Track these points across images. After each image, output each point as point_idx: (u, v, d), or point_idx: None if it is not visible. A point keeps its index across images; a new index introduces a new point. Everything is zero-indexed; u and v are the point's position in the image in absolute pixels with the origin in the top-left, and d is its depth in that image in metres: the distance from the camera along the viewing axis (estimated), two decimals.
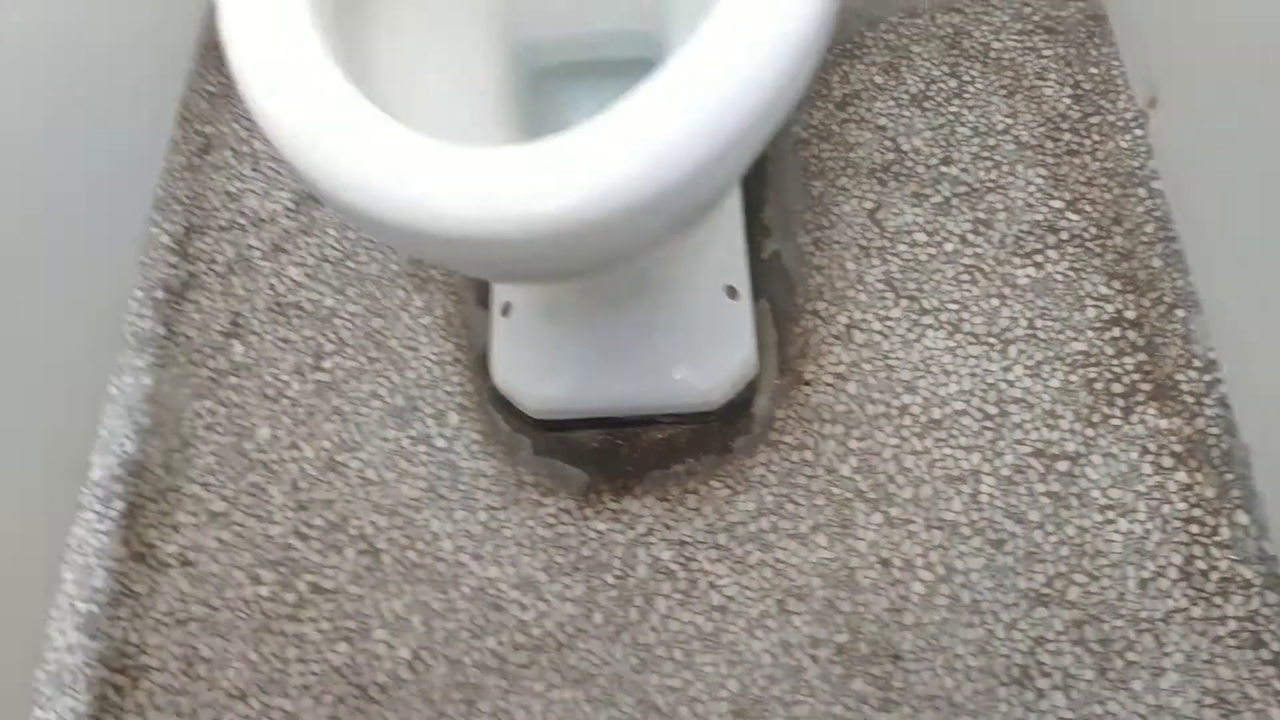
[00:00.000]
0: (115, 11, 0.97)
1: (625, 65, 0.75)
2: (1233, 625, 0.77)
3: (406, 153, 0.50)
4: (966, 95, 1.01)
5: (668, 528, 0.85)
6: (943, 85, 1.02)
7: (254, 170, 1.06)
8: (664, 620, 0.82)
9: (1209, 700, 0.75)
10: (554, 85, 0.83)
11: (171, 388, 0.95)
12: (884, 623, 0.80)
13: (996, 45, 1.04)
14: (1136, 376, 0.87)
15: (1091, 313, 0.90)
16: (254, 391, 0.94)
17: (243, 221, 1.03)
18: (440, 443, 0.90)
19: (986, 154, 0.98)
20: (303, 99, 0.51)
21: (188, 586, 0.87)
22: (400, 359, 0.94)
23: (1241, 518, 0.81)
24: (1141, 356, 0.87)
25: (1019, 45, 1.03)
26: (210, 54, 1.13)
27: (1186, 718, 0.75)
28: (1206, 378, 0.86)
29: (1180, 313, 0.89)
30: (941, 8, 1.07)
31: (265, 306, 0.98)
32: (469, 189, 0.47)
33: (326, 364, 0.95)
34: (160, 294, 1.00)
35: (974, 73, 1.02)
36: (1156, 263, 0.91)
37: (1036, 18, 1.05)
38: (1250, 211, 0.79)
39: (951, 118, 1.00)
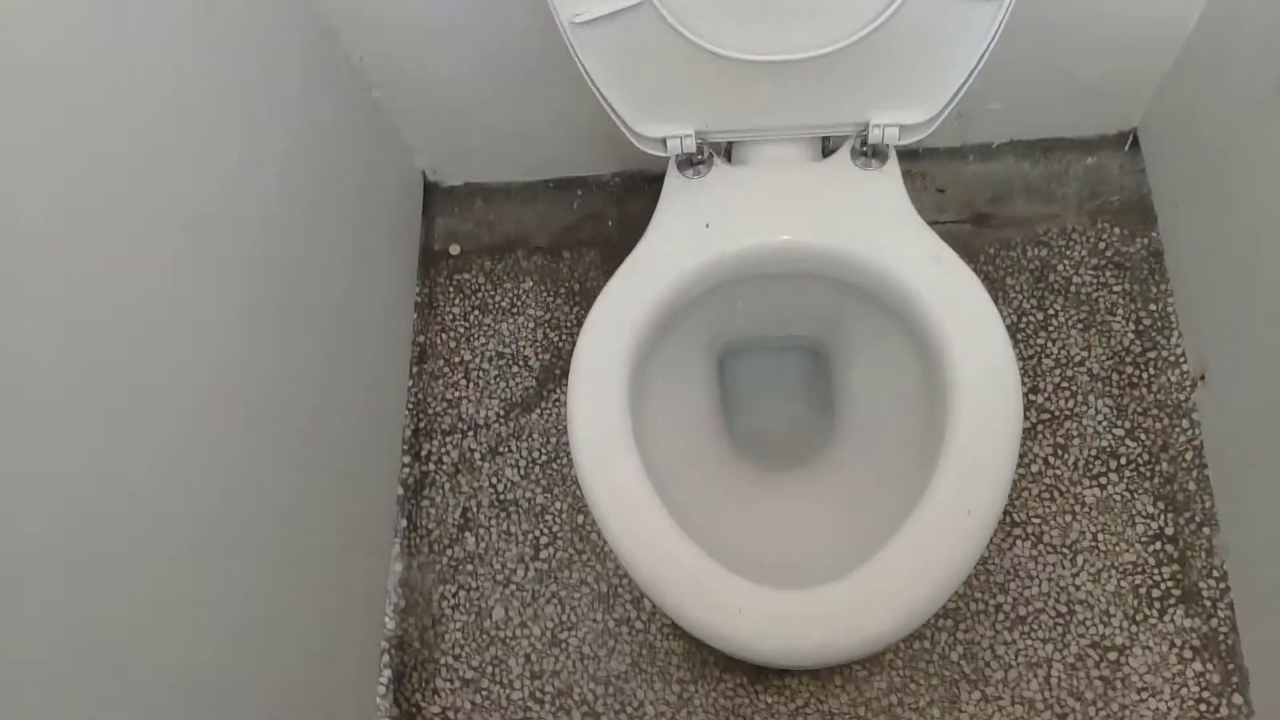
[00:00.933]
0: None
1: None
2: None
3: (735, 596, 0.77)
4: (1051, 328, 1.27)
5: (820, 701, 1.16)
6: (1032, 318, 1.28)
7: (465, 378, 1.31)
8: None
9: None
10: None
11: (420, 574, 1.23)
12: None
13: (1076, 280, 1.29)
14: (1170, 584, 1.17)
15: (1140, 528, 1.19)
16: (487, 577, 1.22)
17: (462, 426, 1.29)
18: (639, 625, 1.20)
19: (1066, 384, 1.25)
20: (651, 551, 0.78)
21: None
22: (605, 551, 1.22)
23: (1237, 699, 1.13)
24: (1175, 567, 1.18)
25: (1094, 280, 1.29)
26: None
27: None
28: (1221, 585, 1.16)
29: (1206, 530, 1.18)
30: (1031, 241, 1.31)
31: (489, 503, 1.25)
32: (791, 627, 0.75)
33: (543, 554, 1.23)
34: (399, 491, 1.26)
35: (1057, 306, 1.28)
36: (1192, 486, 1.20)
37: (1109, 253, 1.30)
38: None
39: (1038, 349, 1.26)
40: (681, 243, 0.92)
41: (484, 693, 1.21)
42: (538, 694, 1.20)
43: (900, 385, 0.95)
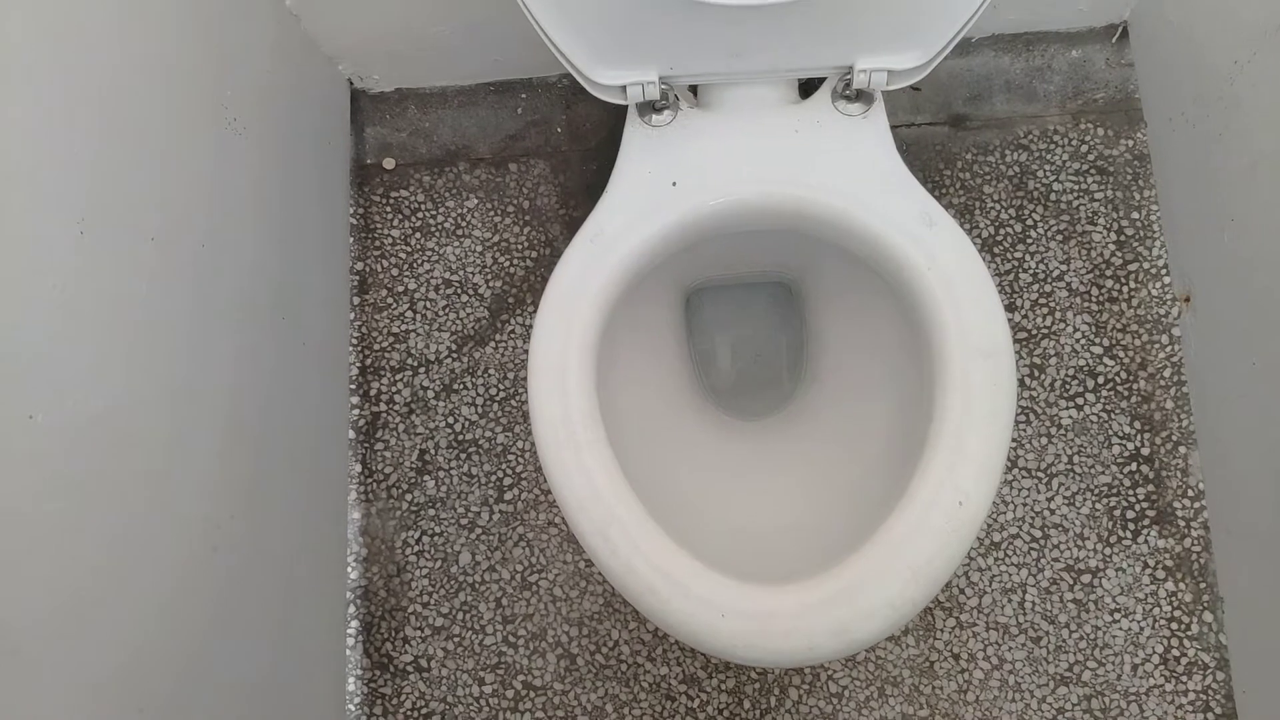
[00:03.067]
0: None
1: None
2: (1192, 696, 1.14)
3: (722, 597, 0.75)
4: (1029, 240, 1.22)
5: None
6: (1010, 230, 1.23)
7: (411, 310, 1.24)
8: (795, 705, 1.16)
9: None
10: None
11: (380, 520, 1.20)
12: (954, 700, 1.15)
13: (1057, 187, 1.23)
14: (1145, 505, 1.18)
15: (1116, 449, 1.19)
16: (451, 521, 1.19)
17: (412, 363, 1.22)
18: None
19: (1043, 300, 1.21)
20: (632, 557, 0.76)
21: (425, 688, 1.17)
22: None
23: (1208, 617, 1.15)
24: (1150, 488, 1.18)
25: (1075, 187, 1.24)
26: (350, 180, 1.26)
27: None
28: (1196, 504, 1.17)
29: (1183, 449, 1.18)
30: (1010, 145, 1.24)
31: (447, 444, 1.21)
32: (774, 630, 0.73)
33: (508, 496, 1.20)
34: (351, 434, 1.21)
35: (1036, 216, 1.23)
36: (1170, 404, 1.19)
37: (1091, 156, 1.25)
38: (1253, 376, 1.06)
39: (1016, 263, 1.22)
40: (646, 204, 0.84)
41: (456, 639, 1.20)
42: (511, 638, 1.19)
43: (887, 351, 0.90)
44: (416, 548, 1.22)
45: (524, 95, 1.32)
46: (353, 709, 1.19)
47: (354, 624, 1.21)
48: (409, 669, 1.19)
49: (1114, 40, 1.27)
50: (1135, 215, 1.25)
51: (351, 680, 1.19)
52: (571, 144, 1.31)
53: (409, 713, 1.19)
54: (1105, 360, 1.22)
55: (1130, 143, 1.26)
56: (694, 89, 0.91)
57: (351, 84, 1.30)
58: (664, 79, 0.84)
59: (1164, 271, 1.23)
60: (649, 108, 0.87)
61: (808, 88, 0.90)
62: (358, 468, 1.24)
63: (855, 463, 0.90)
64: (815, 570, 0.78)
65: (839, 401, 0.98)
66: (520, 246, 1.29)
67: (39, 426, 0.63)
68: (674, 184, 0.84)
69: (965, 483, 0.77)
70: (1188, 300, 1.17)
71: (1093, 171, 1.26)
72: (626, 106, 0.89)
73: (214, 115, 0.92)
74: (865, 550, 0.77)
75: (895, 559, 0.76)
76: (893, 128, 0.89)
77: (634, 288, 0.85)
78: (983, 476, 0.77)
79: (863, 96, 0.85)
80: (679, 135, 0.86)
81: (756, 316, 1.10)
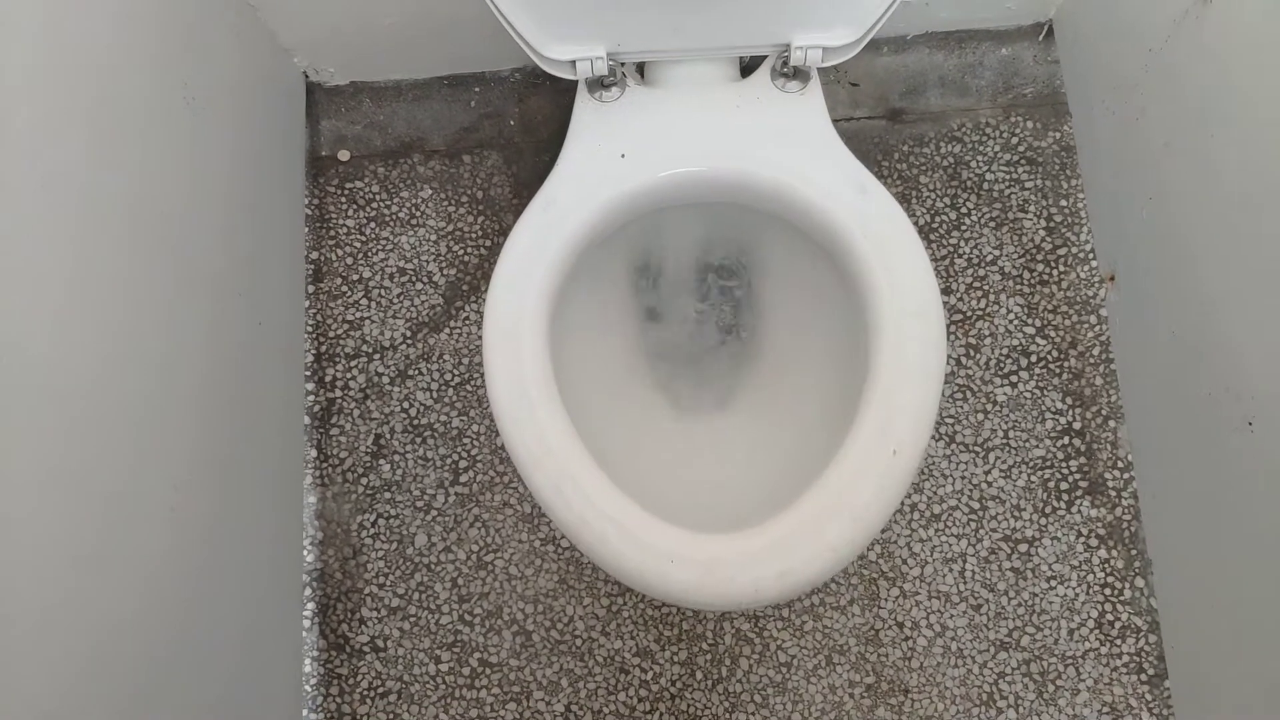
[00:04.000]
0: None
1: None
2: (1126, 658, 1.20)
3: (670, 544, 0.78)
4: (964, 227, 1.28)
5: None
6: (945, 218, 1.28)
7: (366, 297, 1.27)
8: (746, 674, 1.19)
9: (1105, 711, 1.18)
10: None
11: (335, 504, 1.22)
12: (898, 667, 1.19)
13: (989, 177, 1.30)
14: (1078, 476, 1.23)
15: (1050, 424, 1.25)
16: (406, 504, 1.22)
17: (367, 349, 1.25)
18: (564, 543, 1.22)
19: (978, 284, 1.27)
20: (585, 509, 0.79)
21: (381, 667, 1.19)
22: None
23: (1139, 582, 1.21)
24: (1082, 460, 1.24)
25: (1007, 177, 1.30)
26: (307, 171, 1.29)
27: None
28: (1126, 475, 1.23)
29: (1112, 423, 1.24)
30: (945, 137, 1.30)
31: (402, 429, 1.23)
32: (720, 575, 0.77)
33: (463, 478, 1.23)
34: (306, 420, 1.23)
35: (970, 204, 1.29)
36: (1099, 380, 1.25)
37: (1021, 148, 1.31)
38: (1168, 350, 1.13)
39: (951, 249, 1.28)
40: (596, 175, 0.88)
41: (412, 619, 1.22)
42: (467, 616, 1.22)
43: (825, 315, 0.95)
44: (372, 530, 1.24)
45: (477, 89, 1.36)
46: (309, 689, 1.20)
47: (310, 606, 1.22)
48: (365, 649, 1.21)
49: (1040, 39, 1.34)
50: (1064, 203, 1.31)
51: (308, 661, 1.21)
52: (524, 136, 1.35)
53: (365, 692, 1.20)
54: (1037, 340, 1.28)
55: (1057, 135, 1.33)
56: (641, 68, 0.96)
57: (307, 77, 1.33)
58: (611, 55, 0.89)
59: (1091, 256, 1.30)
60: (598, 84, 0.91)
61: (749, 69, 0.95)
62: (313, 453, 1.26)
63: (798, 422, 0.94)
64: (760, 520, 0.82)
65: (784, 366, 1.02)
66: (474, 235, 1.32)
67: None
68: (623, 156, 0.88)
69: (899, 433, 0.81)
70: (1112, 279, 1.24)
71: (1023, 162, 1.33)
72: (576, 100, 0.93)
73: (172, 92, 0.95)
74: (807, 498, 0.81)
75: (835, 505, 0.80)
76: (833, 122, 0.94)
77: (585, 256, 0.89)
78: (915, 427, 0.81)
79: (799, 74, 0.91)
80: (627, 110, 0.90)
81: (708, 295, 1.14)
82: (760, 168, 0.88)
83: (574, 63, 0.89)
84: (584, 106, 0.91)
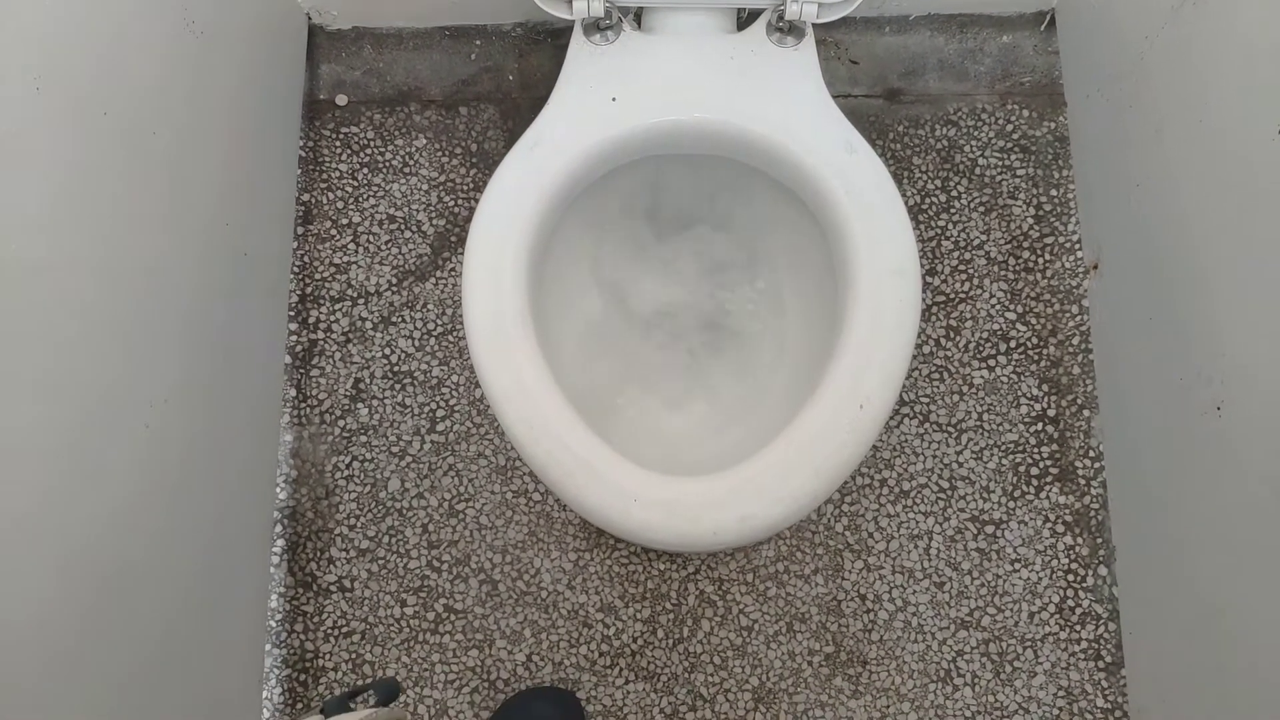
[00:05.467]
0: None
1: None
2: (1084, 644, 1.21)
3: (630, 484, 0.79)
4: (953, 210, 1.29)
5: (710, 568, 1.21)
6: (935, 199, 1.29)
7: (354, 242, 1.27)
8: (707, 636, 1.20)
9: (1061, 694, 1.19)
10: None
11: (311, 445, 1.22)
12: (858, 639, 1.20)
13: (982, 162, 1.30)
14: (1049, 462, 1.24)
15: (1024, 409, 1.25)
16: (382, 449, 1.22)
17: (352, 294, 1.25)
18: (536, 497, 1.22)
19: (963, 267, 1.28)
20: (547, 442, 0.79)
21: (347, 607, 1.20)
22: (499, 425, 1.23)
23: (1103, 571, 1.22)
24: (1054, 447, 1.25)
25: (999, 163, 1.31)
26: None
27: (1046, 705, 1.19)
28: (1096, 464, 1.24)
29: (1086, 413, 1.25)
30: (940, 120, 1.31)
31: (382, 374, 1.23)
32: (681, 515, 0.78)
33: (440, 427, 1.23)
34: (287, 359, 1.24)
35: (961, 188, 1.29)
36: (1076, 370, 1.26)
37: (1016, 135, 1.32)
38: (1145, 345, 1.14)
39: (939, 231, 1.28)
40: (585, 117, 0.88)
41: (380, 561, 1.22)
42: (435, 562, 1.22)
43: (807, 269, 0.95)
44: (346, 472, 1.24)
45: (478, 42, 1.37)
46: (273, 624, 1.21)
47: (280, 543, 1.22)
48: (332, 588, 1.22)
49: (1042, 28, 1.35)
50: (1054, 192, 1.32)
51: (274, 597, 1.21)
52: (522, 91, 1.35)
53: (329, 630, 1.21)
54: (1018, 326, 1.29)
55: (1052, 125, 1.34)
56: (638, 16, 0.96)
57: (310, 18, 1.33)
58: None
59: (1077, 246, 1.30)
60: (594, 27, 0.91)
61: (745, 24, 0.95)
62: (292, 392, 1.26)
63: (776, 375, 0.95)
64: (726, 467, 0.82)
65: (763, 318, 1.03)
66: (466, 187, 1.33)
67: None
68: (613, 99, 0.89)
69: (868, 388, 0.82)
70: (1095, 267, 1.25)
71: (1016, 150, 1.33)
72: (570, 42, 0.93)
73: (174, 14, 0.95)
74: (773, 446, 0.81)
75: (799, 454, 0.81)
76: (832, 97, 0.94)
77: (571, 199, 0.89)
78: (885, 383, 0.82)
79: (794, 30, 0.91)
80: (621, 55, 0.91)
81: (690, 244, 1.15)
82: (749, 121, 0.89)
83: (571, 3, 0.89)
84: (578, 49, 0.91)
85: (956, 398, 1.27)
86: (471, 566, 1.22)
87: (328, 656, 1.20)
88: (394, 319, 1.28)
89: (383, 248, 1.30)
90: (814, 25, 0.91)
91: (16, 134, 0.71)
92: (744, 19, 0.97)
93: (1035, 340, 1.29)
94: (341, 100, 1.35)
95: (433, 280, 1.29)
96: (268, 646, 1.20)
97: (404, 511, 1.23)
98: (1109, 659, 1.21)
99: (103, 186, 0.83)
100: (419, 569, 1.22)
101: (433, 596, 1.21)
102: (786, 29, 0.91)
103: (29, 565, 0.73)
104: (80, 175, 0.79)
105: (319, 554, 1.22)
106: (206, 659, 1.03)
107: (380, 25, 1.35)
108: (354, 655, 1.20)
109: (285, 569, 1.22)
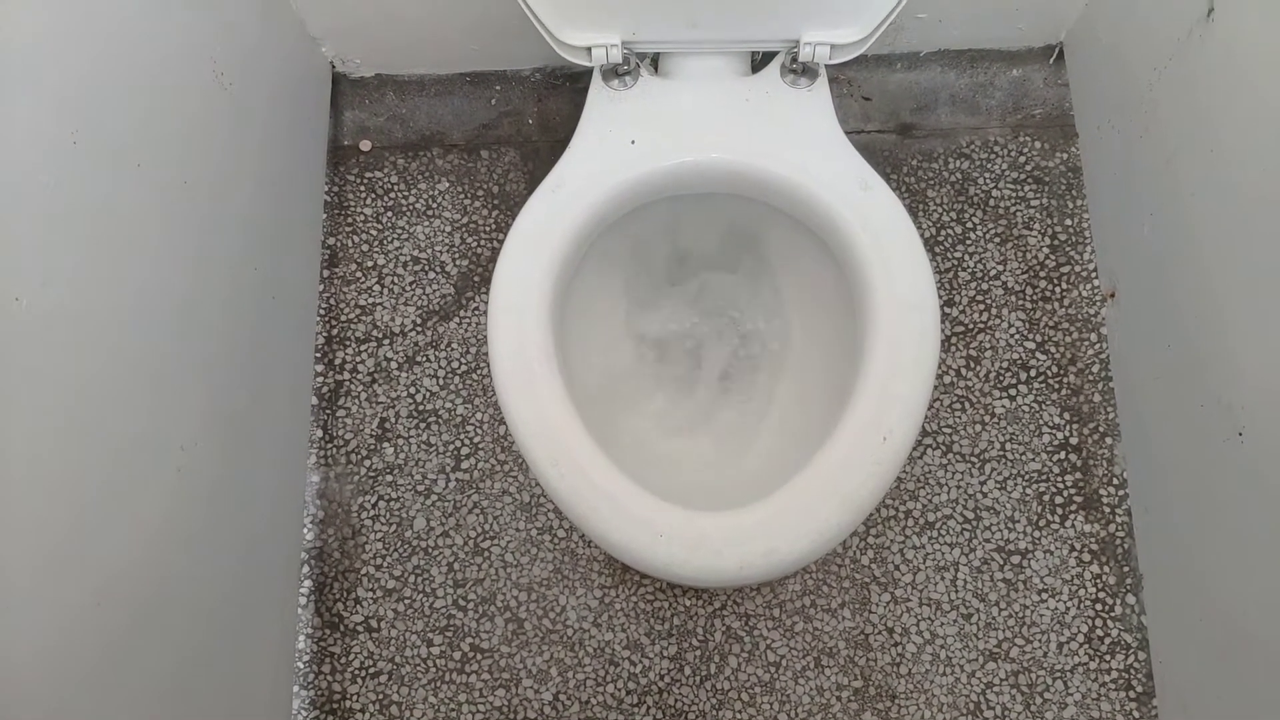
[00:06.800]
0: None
1: None
2: (1114, 674, 1.20)
3: (656, 520, 0.79)
4: (969, 241, 1.30)
5: (737, 604, 1.21)
6: (951, 231, 1.30)
7: (379, 284, 1.29)
8: (734, 673, 1.19)
9: None
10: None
11: (338, 485, 1.23)
12: (887, 673, 1.20)
13: (995, 194, 1.31)
14: (1073, 491, 1.24)
15: (1046, 438, 1.25)
16: (407, 488, 1.23)
17: (377, 334, 1.27)
18: (561, 533, 1.23)
19: (981, 297, 1.28)
20: (573, 479, 0.80)
21: (374, 648, 1.20)
22: (523, 462, 1.24)
23: (1130, 599, 1.21)
24: (1078, 475, 1.24)
25: (1013, 194, 1.32)
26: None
27: None
28: (1120, 492, 1.24)
29: (1109, 440, 1.25)
30: (953, 153, 1.32)
31: (407, 413, 1.25)
32: (707, 550, 0.78)
33: (465, 465, 1.24)
34: (314, 400, 1.25)
35: (976, 219, 1.31)
36: (1097, 398, 1.26)
37: (1029, 167, 1.33)
38: (1163, 372, 1.14)
39: (956, 262, 1.29)
40: (606, 160, 0.90)
41: (406, 601, 1.23)
42: (461, 601, 1.23)
43: (825, 305, 0.96)
44: (372, 512, 1.25)
45: (498, 87, 1.39)
46: (301, 666, 1.21)
47: (307, 584, 1.23)
48: (359, 629, 1.22)
49: (1051, 61, 1.37)
50: (1068, 222, 1.33)
51: (302, 638, 1.22)
52: (542, 135, 1.38)
53: (357, 671, 1.21)
54: (1037, 355, 1.30)
55: (1065, 156, 1.35)
56: (655, 61, 0.98)
57: (334, 66, 1.36)
58: (627, 44, 0.91)
59: (1094, 274, 1.31)
60: (613, 73, 0.94)
61: (759, 66, 0.97)
62: (319, 433, 1.27)
63: (796, 410, 0.96)
64: (750, 501, 0.83)
65: (783, 353, 1.04)
66: (488, 229, 1.35)
67: (23, 310, 0.68)
68: (632, 142, 0.90)
69: (891, 420, 0.83)
70: (1113, 295, 1.25)
71: (1030, 181, 1.35)
72: (590, 88, 0.96)
73: (203, 67, 0.98)
74: (797, 480, 0.82)
75: (825, 487, 0.81)
76: (845, 134, 0.96)
77: (593, 238, 0.91)
78: (907, 415, 0.83)
79: (808, 71, 0.93)
80: (639, 99, 0.93)
81: (710, 283, 1.16)
82: (766, 161, 0.90)
83: (590, 50, 0.92)
84: (598, 94, 0.94)
85: (979, 428, 1.27)
86: (497, 605, 1.23)
87: (355, 698, 1.21)
88: (419, 358, 1.30)
89: (407, 289, 1.32)
90: (826, 65, 0.93)
91: (55, 185, 0.74)
92: (758, 61, 0.99)
93: (1055, 369, 1.29)
94: (366, 146, 1.38)
95: (456, 320, 1.31)
96: (296, 688, 1.21)
97: (430, 550, 1.24)
98: (1140, 689, 1.20)
99: (135, 235, 0.85)
100: (445, 608, 1.23)
101: (459, 636, 1.22)
102: (800, 70, 0.93)
103: (55, 603, 0.74)
104: (114, 225, 0.82)
105: (346, 594, 1.23)
106: (234, 700, 1.04)
107: (403, 72, 1.39)
108: (381, 696, 1.20)
109: (312, 609, 1.23)
